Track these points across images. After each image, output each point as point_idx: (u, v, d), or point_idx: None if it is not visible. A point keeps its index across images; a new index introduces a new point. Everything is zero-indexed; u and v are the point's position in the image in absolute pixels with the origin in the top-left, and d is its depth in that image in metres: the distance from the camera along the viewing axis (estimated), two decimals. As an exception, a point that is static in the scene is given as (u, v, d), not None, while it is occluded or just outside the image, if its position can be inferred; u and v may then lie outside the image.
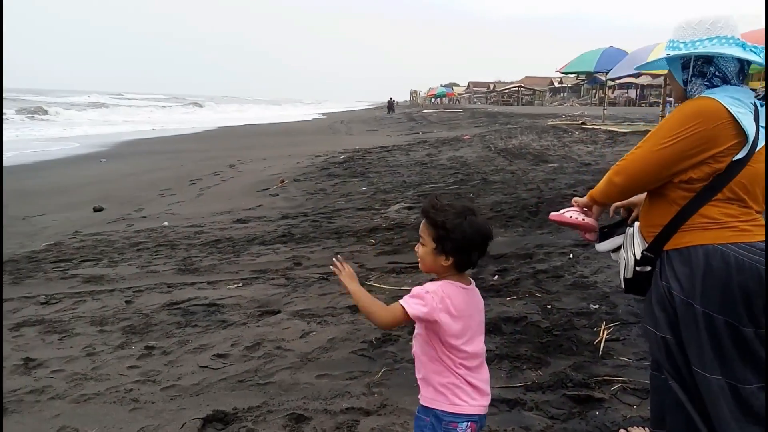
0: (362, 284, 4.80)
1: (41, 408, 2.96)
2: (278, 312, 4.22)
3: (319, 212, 7.48)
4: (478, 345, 1.84)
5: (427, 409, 1.84)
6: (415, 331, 1.88)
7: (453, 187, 8.56)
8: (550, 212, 2.41)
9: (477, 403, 1.82)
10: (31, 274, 5.31)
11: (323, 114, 58.08)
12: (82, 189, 10.46)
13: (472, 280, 1.87)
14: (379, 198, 8.12)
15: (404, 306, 1.73)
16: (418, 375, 1.89)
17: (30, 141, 20.78)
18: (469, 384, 1.81)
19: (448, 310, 1.75)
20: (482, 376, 1.86)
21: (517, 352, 3.34)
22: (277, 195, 8.76)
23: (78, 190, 10.34)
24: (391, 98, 54.71)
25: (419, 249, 1.83)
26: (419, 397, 1.87)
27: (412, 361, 3.17)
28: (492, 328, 3.58)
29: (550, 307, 3.94)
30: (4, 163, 14.27)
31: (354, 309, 4.18)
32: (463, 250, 1.77)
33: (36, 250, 6.20)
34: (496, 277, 4.64)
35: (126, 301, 4.48)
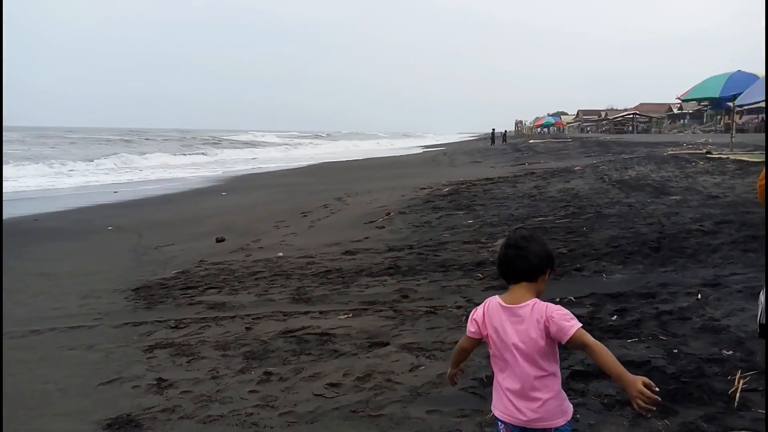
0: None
1: (172, 426, 3.19)
2: (387, 344, 4.27)
3: (424, 245, 7.52)
4: None
5: None
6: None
7: (564, 221, 8.26)
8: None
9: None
10: (162, 300, 5.79)
11: (425, 146, 58.74)
12: (206, 220, 11.31)
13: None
14: (485, 231, 8.02)
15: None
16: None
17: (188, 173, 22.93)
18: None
19: None
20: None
21: (640, 399, 3.12)
22: (384, 227, 8.93)
23: (202, 222, 11.19)
24: (493, 129, 54.27)
25: (543, 287, 2.11)
26: None
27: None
28: (612, 371, 3.37)
29: (676, 351, 3.65)
30: (145, 194, 15.85)
31: (463, 344, 4.13)
32: (550, 261, 2.10)
33: (167, 277, 6.75)
34: (615, 317, 4.38)
35: (246, 328, 4.74)
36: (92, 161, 29.66)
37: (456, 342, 4.15)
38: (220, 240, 8.91)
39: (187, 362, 4.09)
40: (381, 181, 17.24)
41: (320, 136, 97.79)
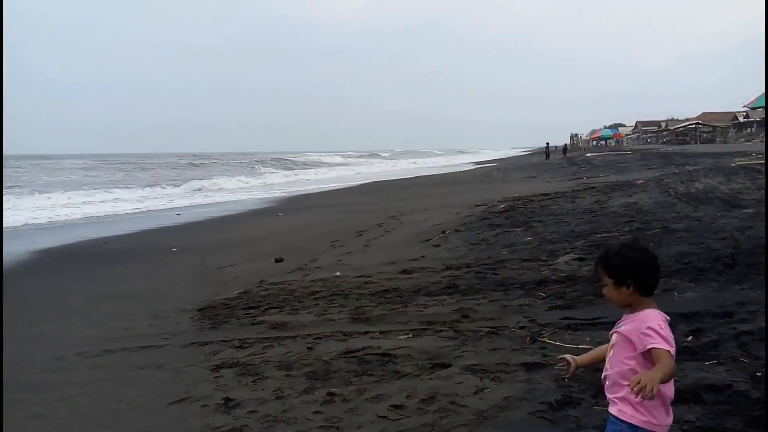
0: (535, 340, 4.61)
1: (240, 446, 3.24)
2: (449, 365, 4.21)
3: (482, 263, 7.41)
4: None
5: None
6: (632, 360, 2.11)
7: (628, 236, 7.96)
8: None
9: None
10: (226, 320, 5.92)
11: (477, 162, 58.26)
12: (264, 241, 11.55)
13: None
14: (545, 248, 7.83)
15: (668, 349, 2.02)
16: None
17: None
18: None
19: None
20: None
21: (723, 426, 2.95)
22: (440, 245, 8.87)
23: (261, 242, 11.44)
24: (547, 143, 53.31)
25: (604, 290, 2.22)
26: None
27: (597, 427, 2.94)
28: (690, 396, 3.20)
29: (760, 374, 3.43)
30: (206, 216, 16.38)
31: (528, 367, 4.03)
32: (634, 273, 2.12)
33: (229, 297, 6.92)
34: (690, 338, 4.17)
35: (308, 348, 4.79)
36: (157, 185, 31.01)
37: (521, 364, 4.09)
38: (278, 260, 9.08)
39: (252, 382, 4.16)
40: (434, 199, 17.19)
41: (377, 155, 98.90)
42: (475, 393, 3.70)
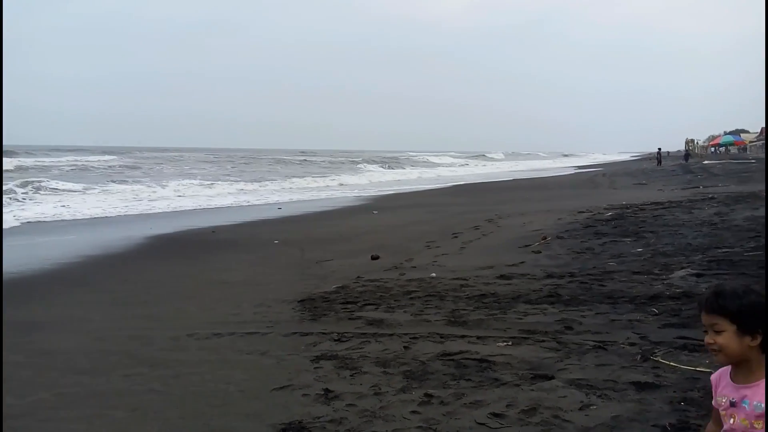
0: (646, 358, 4.31)
1: (340, 438, 3.29)
2: (552, 378, 4.03)
3: (587, 273, 7.06)
4: None
5: None
6: None
7: (754, 253, 7.26)
8: None
9: None
10: (325, 313, 6.07)
11: (579, 167, 55.84)
12: (360, 238, 11.75)
13: None
14: (658, 261, 7.32)
15: None
16: None
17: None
18: None
19: None
20: None
21: None
22: (540, 252, 8.56)
23: (357, 239, 11.65)
24: (659, 149, 50.05)
25: (716, 339, 1.83)
26: None
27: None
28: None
29: None
30: (305, 211, 16.98)
31: (639, 386, 3.77)
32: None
33: (328, 291, 7.08)
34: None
35: (404, 347, 4.78)
36: (264, 180, 32.57)
37: (631, 383, 3.83)
38: (375, 258, 9.18)
39: (350, 375, 4.21)
40: (534, 203, 16.66)
41: (485, 156, 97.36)
42: (580, 409, 3.52)
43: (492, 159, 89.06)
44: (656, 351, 4.35)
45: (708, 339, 1.85)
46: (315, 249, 10.50)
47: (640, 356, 4.31)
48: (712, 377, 2.00)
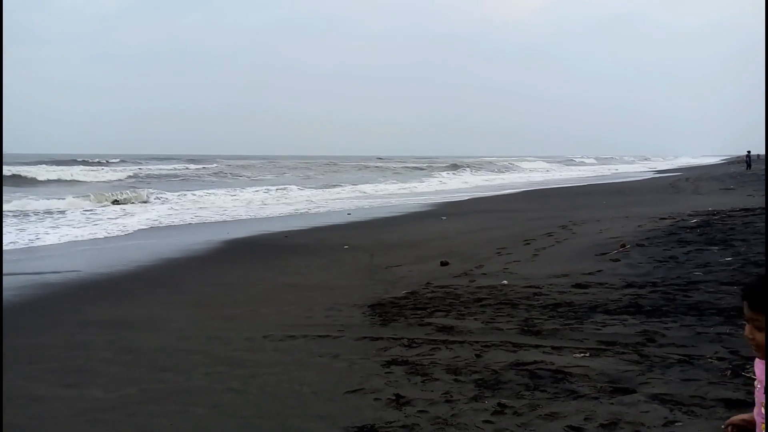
0: (737, 374, 4.04)
1: (412, 444, 3.27)
2: (633, 391, 3.85)
3: (670, 283, 6.70)
4: None
5: None
6: None
7: None
8: None
9: None
10: (395, 318, 6.08)
11: (658, 171, 53.18)
12: (429, 244, 11.71)
13: None
14: (749, 271, 6.84)
15: None
16: None
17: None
18: None
19: None
20: None
21: None
22: (619, 260, 8.21)
23: (426, 245, 11.61)
24: (749, 151, 46.90)
25: (755, 335, 1.79)
26: None
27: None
28: None
29: None
30: (374, 216, 17.12)
31: (730, 404, 3.53)
32: None
33: (397, 296, 7.10)
34: None
35: (476, 355, 4.71)
36: (338, 185, 33.25)
37: (720, 399, 3.59)
38: (444, 264, 9.12)
39: (421, 382, 4.20)
40: (611, 209, 16.01)
41: (573, 161, 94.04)
42: (664, 425, 3.34)
43: (581, 163, 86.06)
44: (748, 366, 4.06)
45: (747, 332, 1.83)
46: (384, 254, 10.56)
47: (730, 371, 4.04)
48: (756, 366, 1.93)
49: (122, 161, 57.41)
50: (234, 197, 25.24)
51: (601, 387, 3.95)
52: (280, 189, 29.67)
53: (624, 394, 3.83)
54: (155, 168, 48.29)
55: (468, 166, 64.48)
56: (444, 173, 51.78)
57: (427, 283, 7.75)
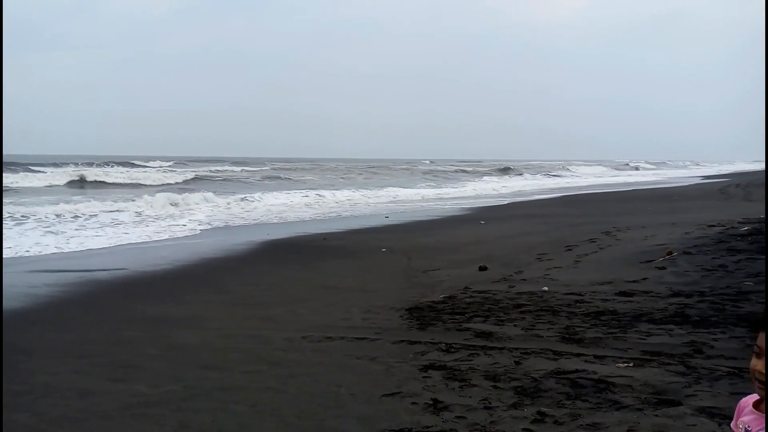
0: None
1: (449, 450, 3.25)
2: (679, 404, 3.73)
3: (719, 292, 6.46)
4: None
5: None
6: None
7: None
8: None
9: None
10: (432, 322, 6.05)
11: (705, 176, 51.37)
12: (467, 248, 11.62)
13: None
14: (804, 282, 6.53)
15: None
16: None
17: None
18: None
19: None
20: None
21: None
22: (665, 268, 7.96)
23: (464, 249, 11.53)
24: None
25: (760, 368, 1.59)
26: None
27: None
28: None
29: None
30: (411, 220, 17.10)
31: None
32: None
33: (435, 300, 7.07)
34: None
35: (515, 362, 4.65)
36: (370, 187, 33.37)
37: None
38: (482, 268, 9.03)
39: (459, 387, 4.17)
40: (656, 216, 15.55)
41: (627, 165, 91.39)
42: (713, 441, 3.22)
43: (635, 168, 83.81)
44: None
45: (754, 364, 1.62)
46: (421, 258, 10.54)
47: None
48: (740, 402, 1.80)
49: (176, 163, 58.43)
50: (277, 199, 25.60)
51: (646, 398, 3.84)
52: (321, 192, 29.98)
53: (669, 406, 3.71)
54: (212, 170, 49.00)
55: (512, 169, 63.84)
56: (487, 177, 51.38)
57: (465, 287, 7.69)
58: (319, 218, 18.89)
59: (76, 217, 17.14)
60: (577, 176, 58.34)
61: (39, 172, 37.56)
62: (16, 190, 28.18)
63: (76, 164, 45.64)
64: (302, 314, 6.66)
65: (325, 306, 7.02)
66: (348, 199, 27.10)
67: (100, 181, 35.46)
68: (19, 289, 8.13)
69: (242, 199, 24.87)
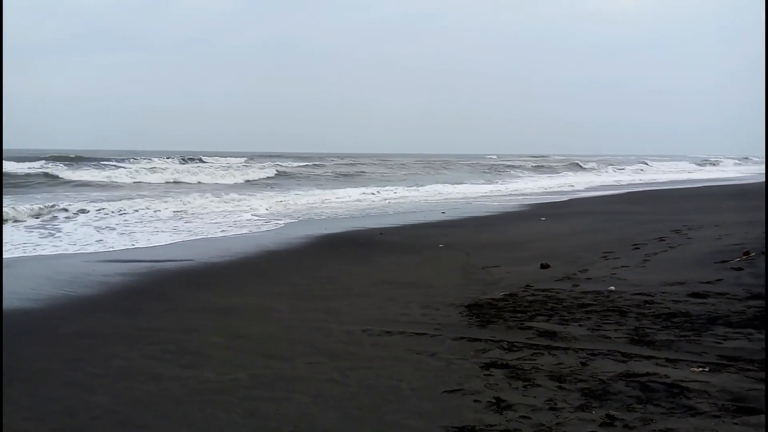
0: None
1: (514, 450, 3.18)
2: (760, 412, 3.51)
3: (804, 296, 6.03)
4: None
5: None
6: None
7: None
8: None
9: None
10: (493, 320, 5.95)
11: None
12: (528, 245, 11.37)
13: None
14: None
15: None
16: None
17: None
18: None
19: None
20: None
21: None
22: (742, 269, 7.50)
23: (524, 246, 11.29)
24: None
25: None
26: None
27: None
28: None
29: None
30: (469, 215, 16.93)
31: None
32: None
33: (495, 298, 6.95)
34: None
35: (581, 363, 4.50)
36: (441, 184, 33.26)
37: None
38: (544, 266, 8.81)
39: (523, 387, 4.08)
40: (732, 213, 14.71)
41: (709, 161, 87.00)
42: (801, 454, 3.00)
43: (716, 163, 79.83)
44: None
45: None
46: (480, 254, 10.40)
47: None
48: None
49: (249, 159, 58.62)
50: (335, 195, 25.91)
51: (723, 405, 3.64)
52: (379, 187, 30.14)
53: (750, 414, 3.50)
54: (292, 166, 49.36)
55: (580, 165, 62.05)
56: (561, 173, 50.22)
57: (527, 285, 7.53)
58: (375, 213, 18.99)
59: (182, 212, 17.75)
60: (649, 172, 56.10)
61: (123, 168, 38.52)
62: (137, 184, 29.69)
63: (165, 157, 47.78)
64: (361, 308, 6.70)
65: (384, 300, 7.04)
66: (405, 194, 27.13)
67: (198, 181, 34.28)
68: (93, 277, 8.60)
69: (302, 194, 25.34)
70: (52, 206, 17.05)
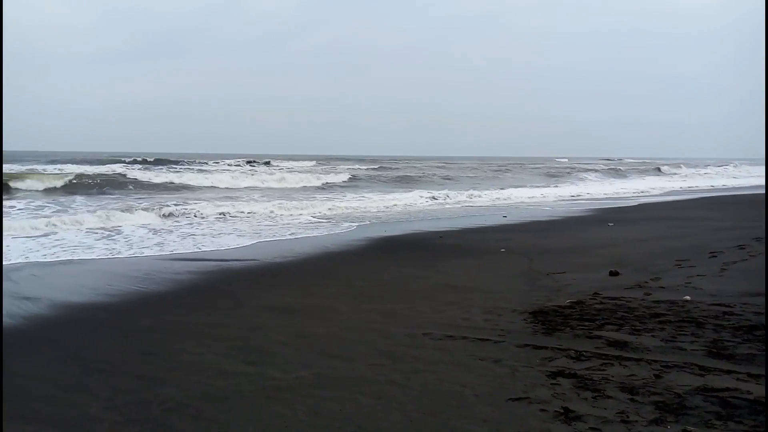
0: None
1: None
2: None
3: None
4: None
5: None
6: None
7: None
8: None
9: None
10: (559, 327, 5.78)
11: None
12: (595, 251, 10.98)
13: None
14: None
15: None
16: None
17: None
18: None
19: None
20: None
21: None
22: (833, 281, 6.97)
23: (592, 252, 10.91)
24: None
25: None
26: None
27: None
28: None
29: None
30: (531, 219, 16.56)
31: None
32: None
33: (561, 305, 6.74)
34: None
35: (655, 375, 4.30)
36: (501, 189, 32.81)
37: None
38: (614, 273, 8.48)
39: (592, 397, 3.93)
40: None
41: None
42: None
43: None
44: None
45: None
46: (544, 259, 10.13)
47: None
48: None
49: (319, 162, 59.27)
50: (396, 199, 25.97)
51: (816, 428, 3.37)
52: (441, 191, 30.01)
53: None
54: (365, 170, 49.82)
55: (658, 168, 59.55)
56: (638, 176, 48.43)
57: (595, 293, 7.27)
58: (434, 216, 18.89)
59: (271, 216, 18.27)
60: (730, 176, 53.01)
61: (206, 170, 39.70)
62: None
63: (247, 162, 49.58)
64: (422, 312, 6.66)
65: (445, 305, 6.98)
66: (468, 198, 26.85)
67: (288, 188, 33.44)
68: (166, 275, 8.98)
69: (367, 198, 25.56)
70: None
